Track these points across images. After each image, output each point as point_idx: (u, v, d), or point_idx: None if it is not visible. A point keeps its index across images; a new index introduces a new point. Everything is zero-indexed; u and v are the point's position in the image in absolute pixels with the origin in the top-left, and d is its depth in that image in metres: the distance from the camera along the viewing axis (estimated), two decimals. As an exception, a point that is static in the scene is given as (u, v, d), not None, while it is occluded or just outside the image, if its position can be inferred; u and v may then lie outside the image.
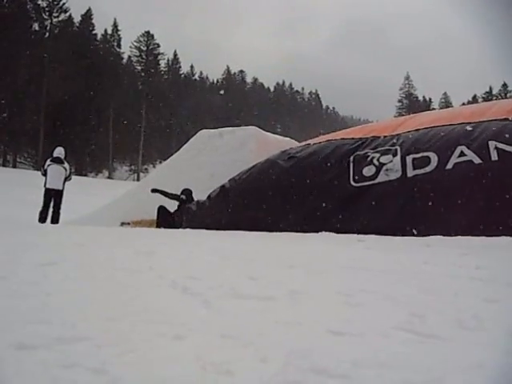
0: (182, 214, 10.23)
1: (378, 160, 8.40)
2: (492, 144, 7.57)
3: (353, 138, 9.35)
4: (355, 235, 7.19)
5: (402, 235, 7.02)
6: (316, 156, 9.18)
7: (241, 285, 3.16)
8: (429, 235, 6.72)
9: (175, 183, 11.98)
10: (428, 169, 7.82)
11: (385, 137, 8.99)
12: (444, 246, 6.05)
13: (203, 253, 4.97)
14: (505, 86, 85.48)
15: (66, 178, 12.99)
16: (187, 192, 10.68)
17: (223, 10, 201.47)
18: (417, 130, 8.81)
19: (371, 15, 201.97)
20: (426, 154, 8.02)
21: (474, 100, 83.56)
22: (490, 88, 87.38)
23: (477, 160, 7.53)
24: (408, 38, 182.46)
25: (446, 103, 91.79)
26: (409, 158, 8.10)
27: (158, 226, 10.27)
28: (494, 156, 7.44)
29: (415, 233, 7.15)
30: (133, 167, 71.69)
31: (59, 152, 13.27)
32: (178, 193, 10.71)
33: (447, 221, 7.18)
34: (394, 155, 8.28)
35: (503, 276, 3.76)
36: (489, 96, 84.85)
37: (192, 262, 4.39)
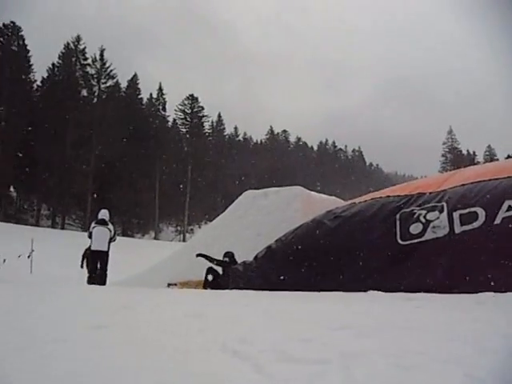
0: (227, 276, 10.21)
1: (424, 217, 8.32)
2: None
3: (398, 196, 9.30)
4: (404, 294, 7.09)
5: (452, 293, 6.90)
6: (362, 215, 9.15)
7: (292, 347, 3.12)
8: (479, 292, 6.59)
9: (222, 243, 12.03)
10: (476, 224, 7.71)
11: (430, 193, 8.93)
12: (495, 304, 5.92)
13: (252, 314, 4.92)
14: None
15: (111, 239, 13.14)
16: (229, 255, 10.69)
17: (265, 69, 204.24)
18: (462, 185, 8.73)
19: (413, 72, 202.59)
20: (473, 209, 7.91)
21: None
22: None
23: None
24: (450, 93, 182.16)
25: (491, 156, 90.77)
26: (456, 214, 8.01)
27: (205, 287, 10.27)
28: None
29: (466, 291, 7.01)
30: (179, 228, 72.05)
31: (104, 214, 13.50)
32: (221, 257, 10.71)
33: (498, 278, 7.04)
34: (441, 211, 8.21)
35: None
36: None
37: (242, 324, 4.35)
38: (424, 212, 8.39)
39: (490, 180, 8.50)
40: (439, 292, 6.96)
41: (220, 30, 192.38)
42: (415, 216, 8.42)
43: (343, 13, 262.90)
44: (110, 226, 13.33)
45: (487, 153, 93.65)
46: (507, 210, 7.58)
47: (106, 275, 12.93)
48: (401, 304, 6.14)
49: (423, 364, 2.70)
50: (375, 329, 3.92)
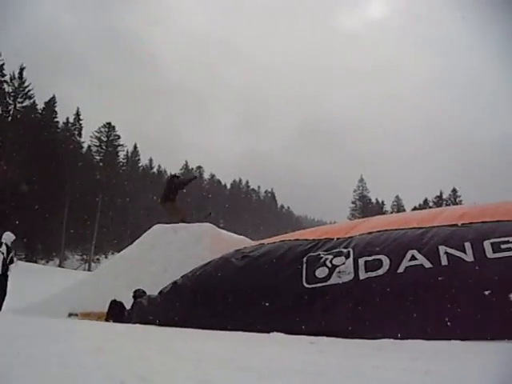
0: (134, 310, 10.03)
1: (330, 262, 8.45)
2: (442, 249, 7.78)
3: (306, 240, 9.44)
4: (307, 337, 7.16)
5: (355, 338, 7.03)
6: (270, 256, 9.21)
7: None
8: (381, 338, 6.75)
9: (128, 276, 11.83)
10: (380, 272, 7.89)
11: (338, 239, 9.12)
12: (395, 350, 6.06)
13: (154, 351, 4.83)
14: (454, 191, 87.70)
15: (6, 262, 12.78)
16: (139, 293, 10.48)
17: (185, 103, 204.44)
18: (369, 233, 8.98)
19: (330, 118, 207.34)
20: (378, 256, 8.12)
21: (425, 203, 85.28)
22: (441, 192, 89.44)
23: (427, 264, 7.69)
24: (364, 143, 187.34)
25: (398, 206, 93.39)
26: (361, 261, 8.18)
27: (108, 319, 10.04)
28: (444, 261, 7.63)
29: (367, 336, 7.14)
30: (85, 256, 70.44)
31: (4, 237, 13.16)
32: (129, 292, 10.48)
33: (399, 324, 7.22)
34: (347, 257, 8.37)
35: (452, 381, 3.77)
36: (439, 200, 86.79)
37: (142, 361, 4.25)
38: (330, 257, 8.53)
39: (395, 230, 8.79)
40: (342, 336, 7.09)
41: (146, 61, 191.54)
42: (321, 260, 8.54)
43: (266, 53, 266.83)
44: (3, 248, 12.92)
45: (395, 203, 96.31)
46: (411, 260, 7.83)
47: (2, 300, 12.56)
48: (303, 347, 6.19)
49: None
50: (276, 372, 3.92)
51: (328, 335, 7.13)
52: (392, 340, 6.81)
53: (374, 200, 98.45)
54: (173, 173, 14.80)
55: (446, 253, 7.70)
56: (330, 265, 8.43)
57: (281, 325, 7.86)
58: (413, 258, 7.88)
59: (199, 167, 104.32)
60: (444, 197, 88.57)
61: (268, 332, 7.59)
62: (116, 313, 10.09)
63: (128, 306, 10.04)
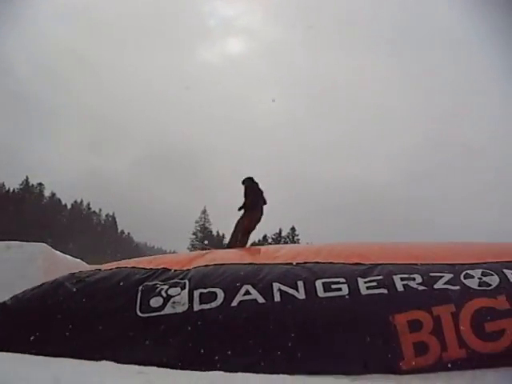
0: None
1: (166, 292, 8.39)
2: (276, 285, 8.03)
3: (144, 268, 9.33)
4: (137, 366, 7.02)
5: (186, 369, 7.01)
6: (105, 282, 8.98)
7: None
8: (213, 371, 6.78)
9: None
10: (214, 304, 7.96)
11: (175, 270, 9.10)
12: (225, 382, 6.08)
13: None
14: (293, 229, 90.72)
15: None
16: None
17: (32, 116, 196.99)
18: (207, 265, 9.06)
19: (177, 146, 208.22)
20: (213, 289, 8.20)
21: (265, 239, 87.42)
22: (280, 230, 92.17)
23: (261, 299, 7.90)
24: (211, 174, 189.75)
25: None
26: (196, 292, 8.21)
27: None
28: (277, 297, 7.87)
29: (199, 368, 7.13)
30: None
31: None
32: None
33: (231, 360, 7.28)
34: (183, 288, 8.37)
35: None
36: (278, 237, 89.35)
37: None
38: (166, 287, 8.48)
39: (233, 264, 8.94)
40: (174, 367, 7.05)
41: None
42: (157, 290, 8.48)
43: (123, 76, 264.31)
44: None
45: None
46: (245, 294, 8.00)
47: None
48: (131, 378, 6.06)
49: None
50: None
51: (159, 366, 7.05)
52: (222, 372, 6.83)
53: (215, 232, 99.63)
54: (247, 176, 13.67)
55: (280, 290, 7.95)
56: (165, 295, 8.37)
57: (112, 353, 7.66)
58: (247, 292, 8.05)
59: (40, 184, 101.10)
60: (283, 234, 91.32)
61: (99, 360, 7.37)
62: None
63: None
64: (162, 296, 8.35)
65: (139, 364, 7.11)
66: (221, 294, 8.06)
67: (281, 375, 6.53)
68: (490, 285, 7.80)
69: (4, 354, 7.42)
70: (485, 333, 6.69)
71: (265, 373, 6.63)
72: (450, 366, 6.54)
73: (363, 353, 7.29)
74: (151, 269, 9.25)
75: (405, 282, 7.89)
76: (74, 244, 79.79)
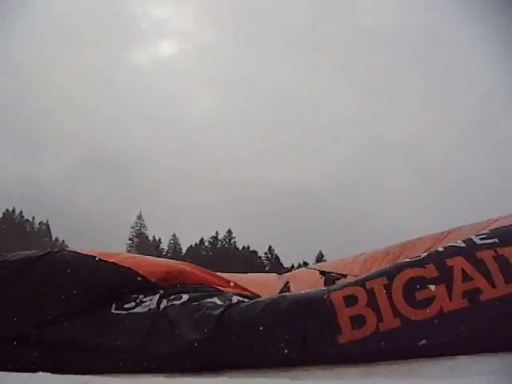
0: None
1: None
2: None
3: None
4: (79, 376, 6.89)
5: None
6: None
7: None
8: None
9: None
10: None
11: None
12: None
13: None
14: (229, 232, 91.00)
15: None
16: None
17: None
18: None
19: (110, 150, 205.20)
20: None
21: (201, 243, 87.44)
22: (217, 233, 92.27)
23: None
24: (144, 175, 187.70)
25: (175, 244, 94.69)
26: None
27: None
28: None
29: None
30: None
31: None
32: None
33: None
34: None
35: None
36: (215, 241, 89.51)
37: None
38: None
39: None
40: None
41: None
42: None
43: (54, 77, 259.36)
44: None
45: (172, 241, 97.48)
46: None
47: None
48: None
49: None
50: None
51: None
52: (164, 378, 6.81)
53: (151, 237, 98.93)
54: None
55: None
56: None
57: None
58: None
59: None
60: (220, 237, 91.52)
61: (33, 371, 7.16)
62: None
63: None
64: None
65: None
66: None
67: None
68: (419, 256, 8.05)
69: None
70: (416, 301, 6.86)
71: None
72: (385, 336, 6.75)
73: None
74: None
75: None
76: (7, 253, 77.86)
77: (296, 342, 6.72)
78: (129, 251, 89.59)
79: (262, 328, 7.12)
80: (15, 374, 6.61)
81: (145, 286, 8.69)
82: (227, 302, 7.13)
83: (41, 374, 6.75)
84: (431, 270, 6.11)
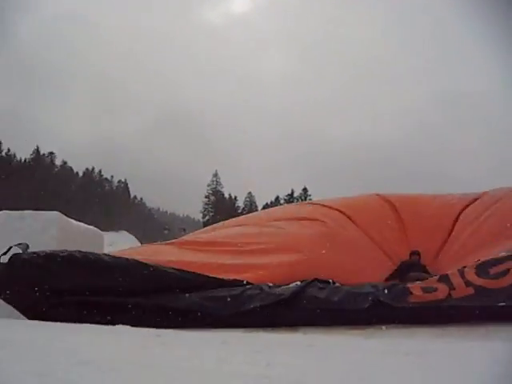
0: None
1: None
2: None
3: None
4: (154, 330, 7.10)
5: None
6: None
7: (26, 382, 2.99)
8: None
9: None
10: None
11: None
12: (241, 344, 6.15)
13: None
14: (305, 190, 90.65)
15: None
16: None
17: (40, 83, 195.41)
18: None
19: (187, 108, 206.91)
20: None
21: (277, 201, 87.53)
22: (292, 191, 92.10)
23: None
24: (221, 137, 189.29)
25: (251, 202, 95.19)
26: None
27: None
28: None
29: None
30: None
31: None
32: None
33: None
34: None
35: (292, 373, 3.88)
36: (290, 198, 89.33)
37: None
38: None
39: None
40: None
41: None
42: None
43: (128, 39, 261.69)
44: None
45: (247, 199, 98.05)
46: None
47: None
48: (148, 340, 6.12)
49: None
50: (116, 364, 3.85)
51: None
52: (240, 333, 6.95)
53: (227, 195, 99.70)
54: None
55: None
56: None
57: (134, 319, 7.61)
58: None
59: (51, 153, 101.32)
60: (295, 195, 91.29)
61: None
62: None
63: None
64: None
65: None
66: None
67: (295, 334, 6.82)
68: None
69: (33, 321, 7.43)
70: (489, 275, 6.92)
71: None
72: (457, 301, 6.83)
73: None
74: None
75: None
76: (87, 211, 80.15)
77: (372, 299, 7.08)
78: (205, 208, 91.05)
79: (336, 298, 7.36)
80: (97, 325, 7.01)
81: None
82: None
83: (120, 326, 7.14)
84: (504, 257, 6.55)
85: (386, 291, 7.16)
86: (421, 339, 6.23)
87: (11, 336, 5.51)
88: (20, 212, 12.96)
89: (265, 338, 6.74)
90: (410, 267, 9.55)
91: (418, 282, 7.55)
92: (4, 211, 13.45)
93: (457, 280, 6.87)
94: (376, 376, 3.99)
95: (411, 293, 7.04)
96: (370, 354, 5.67)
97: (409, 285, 7.32)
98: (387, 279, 9.38)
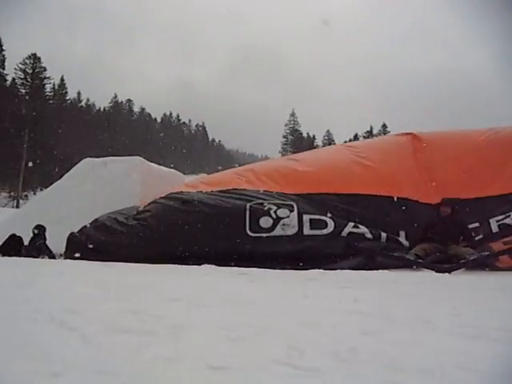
0: (32, 247, 10.04)
1: (275, 212, 8.76)
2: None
3: (245, 189, 9.64)
4: (238, 268, 7.20)
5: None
6: (209, 202, 9.14)
7: (120, 319, 3.07)
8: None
9: (57, 211, 11.60)
10: (325, 231, 8.60)
11: (277, 192, 9.41)
12: (325, 280, 6.17)
13: (83, 285, 4.72)
14: (384, 126, 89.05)
15: None
16: (40, 228, 10.27)
17: (115, 29, 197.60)
18: (308, 194, 9.45)
19: (263, 46, 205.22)
20: (322, 217, 8.76)
21: (356, 139, 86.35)
22: (371, 127, 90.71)
23: (368, 235, 8.73)
24: (297, 76, 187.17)
25: (329, 141, 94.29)
26: (306, 217, 8.77)
27: (4, 253, 9.66)
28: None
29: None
30: (12, 193, 68.52)
31: None
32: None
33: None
34: (291, 210, 8.71)
35: (380, 309, 3.85)
36: (369, 135, 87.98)
37: (71, 294, 4.16)
38: (275, 207, 8.65)
39: (334, 194, 9.42)
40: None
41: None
42: (265, 209, 8.67)
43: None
44: None
45: (326, 137, 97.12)
46: (353, 227, 8.81)
47: None
48: (233, 278, 6.22)
49: (251, 336, 2.75)
50: (207, 302, 3.92)
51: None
52: (322, 270, 6.95)
53: (305, 134, 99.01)
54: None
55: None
56: (274, 215, 8.77)
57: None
58: (356, 226, 8.82)
59: (129, 100, 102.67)
60: (374, 132, 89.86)
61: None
62: (16, 247, 9.88)
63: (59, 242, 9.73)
64: (271, 216, 8.70)
65: None
66: (331, 223, 8.74)
67: (380, 271, 7.12)
68: None
69: (117, 263, 7.68)
70: None
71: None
72: None
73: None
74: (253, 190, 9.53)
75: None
76: (167, 155, 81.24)
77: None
78: (283, 148, 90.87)
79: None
80: (185, 266, 7.16)
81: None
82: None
83: (206, 265, 7.28)
84: None
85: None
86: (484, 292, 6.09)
87: (105, 278, 5.69)
88: (103, 159, 13.25)
89: (347, 275, 6.74)
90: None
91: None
92: (88, 158, 13.77)
93: None
94: (465, 309, 3.94)
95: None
96: (458, 288, 5.61)
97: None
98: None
